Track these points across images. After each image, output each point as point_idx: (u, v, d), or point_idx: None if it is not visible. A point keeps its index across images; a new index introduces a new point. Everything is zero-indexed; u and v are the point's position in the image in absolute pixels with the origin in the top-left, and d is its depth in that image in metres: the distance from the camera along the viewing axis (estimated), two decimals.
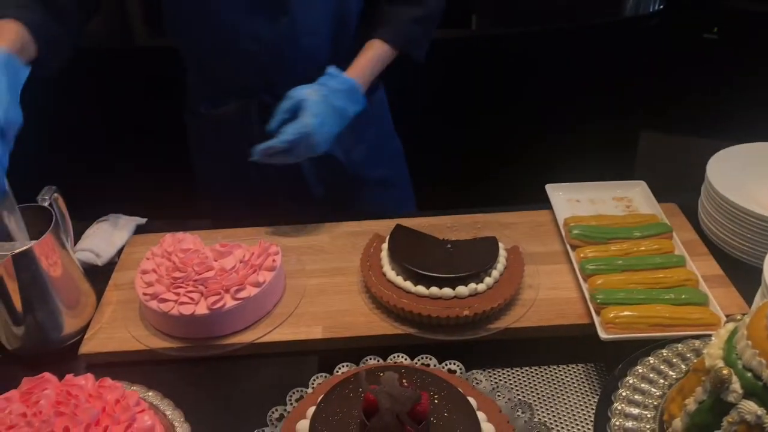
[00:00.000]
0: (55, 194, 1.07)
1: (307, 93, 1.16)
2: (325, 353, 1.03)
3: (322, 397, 0.80)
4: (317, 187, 1.41)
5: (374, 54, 1.27)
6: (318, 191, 1.41)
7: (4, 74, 0.99)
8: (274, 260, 1.09)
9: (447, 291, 1.02)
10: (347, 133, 1.34)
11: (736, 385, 0.67)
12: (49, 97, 2.11)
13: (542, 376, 0.98)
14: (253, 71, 1.26)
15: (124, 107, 1.92)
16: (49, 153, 1.94)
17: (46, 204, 1.05)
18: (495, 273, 1.06)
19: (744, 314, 0.75)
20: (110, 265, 1.22)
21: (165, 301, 1.02)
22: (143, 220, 1.32)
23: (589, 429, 0.89)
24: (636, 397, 0.83)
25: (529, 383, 0.97)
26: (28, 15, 1.08)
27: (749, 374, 0.67)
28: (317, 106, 1.15)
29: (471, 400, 0.80)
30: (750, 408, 0.65)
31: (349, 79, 1.22)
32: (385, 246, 1.12)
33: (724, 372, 0.68)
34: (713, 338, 0.74)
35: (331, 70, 1.21)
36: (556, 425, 0.90)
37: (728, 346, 0.71)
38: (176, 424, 0.85)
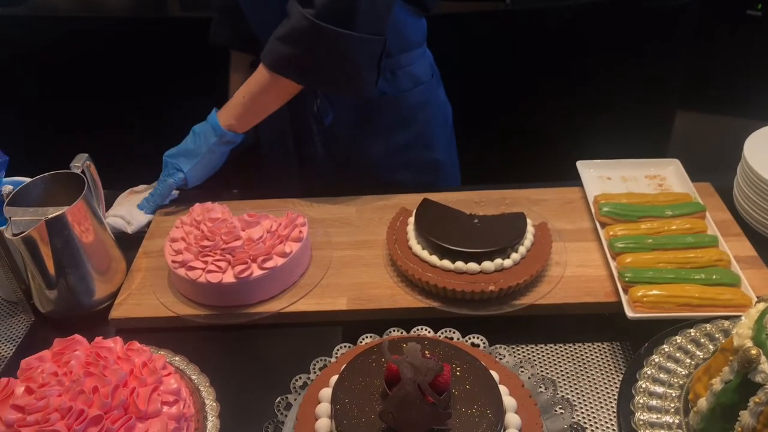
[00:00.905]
0: (88, 162, 1.09)
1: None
2: (349, 324, 1.03)
3: (345, 366, 0.81)
4: (330, 173, 1.43)
5: (249, 84, 1.23)
6: (330, 176, 1.42)
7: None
8: (300, 231, 1.09)
9: (473, 266, 1.02)
10: (363, 129, 1.35)
11: (764, 365, 0.66)
12: (83, 67, 2.15)
13: (567, 353, 0.97)
14: None
15: (156, 77, 1.94)
16: (83, 121, 1.97)
17: (78, 171, 1.07)
18: (522, 249, 1.05)
19: None
20: (140, 233, 1.24)
21: (193, 269, 1.03)
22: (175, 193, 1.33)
23: (612, 406, 0.89)
24: (661, 375, 0.82)
25: (553, 360, 0.96)
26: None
27: None
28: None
29: (493, 373, 0.80)
30: None
31: (212, 123, 1.25)
32: (411, 220, 1.12)
33: (753, 352, 0.67)
34: (743, 318, 0.73)
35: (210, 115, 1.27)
36: (580, 402, 0.90)
37: (758, 326, 0.70)
38: (201, 388, 0.87)
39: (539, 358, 0.97)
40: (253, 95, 1.22)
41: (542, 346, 0.99)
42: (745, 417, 0.67)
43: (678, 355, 0.85)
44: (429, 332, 0.94)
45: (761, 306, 0.73)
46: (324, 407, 0.78)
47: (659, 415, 0.78)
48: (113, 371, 0.76)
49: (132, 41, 2.06)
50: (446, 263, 1.03)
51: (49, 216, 0.97)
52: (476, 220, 1.09)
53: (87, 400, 0.73)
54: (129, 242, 1.20)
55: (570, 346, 0.98)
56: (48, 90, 2.13)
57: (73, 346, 0.81)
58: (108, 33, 2.13)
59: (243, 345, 1.03)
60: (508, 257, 1.03)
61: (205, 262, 1.04)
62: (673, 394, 0.80)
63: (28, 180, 1.07)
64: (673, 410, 0.79)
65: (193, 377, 0.88)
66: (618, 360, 0.96)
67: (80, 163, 1.08)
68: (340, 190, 1.31)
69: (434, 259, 1.04)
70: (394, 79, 1.33)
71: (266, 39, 1.19)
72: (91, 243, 1.05)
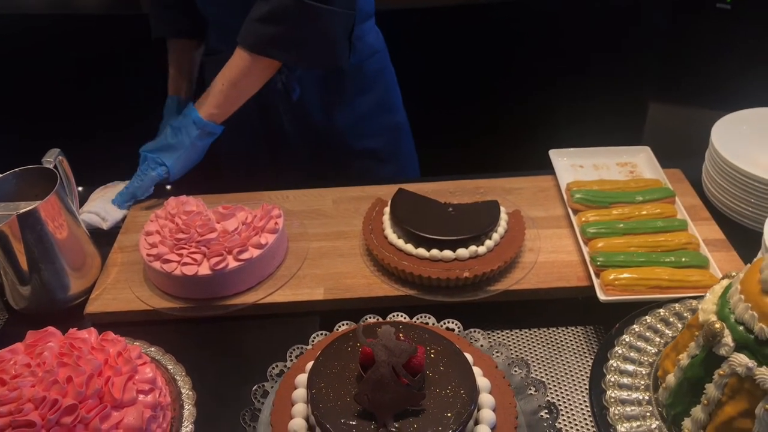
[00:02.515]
0: (60, 157, 1.08)
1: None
2: (326, 314, 1.04)
3: (320, 351, 0.82)
4: (301, 149, 1.44)
5: (227, 71, 1.22)
6: (302, 152, 1.43)
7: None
8: (276, 223, 1.10)
9: (447, 253, 1.03)
10: (330, 99, 1.37)
11: (727, 338, 0.68)
12: (57, 63, 2.13)
13: (541, 337, 0.99)
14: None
15: (130, 74, 1.93)
16: (56, 117, 1.95)
17: (50, 166, 1.06)
18: (496, 236, 1.06)
19: None
20: (115, 229, 1.23)
21: (168, 261, 1.03)
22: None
23: (585, 386, 0.90)
24: (632, 354, 0.84)
25: (528, 343, 0.98)
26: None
27: (741, 328, 0.68)
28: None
29: (467, 355, 0.81)
30: (741, 360, 0.66)
31: (193, 116, 1.24)
32: (387, 209, 1.13)
33: (717, 325, 0.68)
34: (708, 294, 0.75)
35: (187, 110, 1.26)
36: (553, 383, 0.91)
37: (722, 301, 0.72)
38: (178, 377, 0.87)
39: (513, 342, 0.98)
40: (233, 81, 1.22)
41: (516, 330, 1.00)
42: (711, 389, 0.69)
43: (648, 334, 0.86)
44: (405, 318, 0.94)
45: (725, 282, 0.75)
46: (300, 393, 0.78)
47: (630, 393, 0.80)
48: (87, 361, 0.76)
49: (104, 38, 2.05)
50: (421, 251, 1.04)
51: (21, 211, 0.97)
52: (451, 209, 1.10)
53: (61, 390, 0.72)
54: (104, 237, 1.20)
55: (544, 331, 1.00)
56: (19, 86, 2.12)
57: (47, 338, 0.81)
58: (80, 30, 2.12)
59: (220, 336, 1.03)
60: (483, 244, 1.04)
61: (180, 255, 1.03)
62: (643, 372, 0.82)
63: None
64: (643, 387, 0.80)
65: (170, 367, 0.88)
66: (591, 343, 0.97)
67: (52, 158, 1.07)
68: (315, 181, 1.31)
69: (410, 247, 1.05)
70: (354, 50, 1.36)
71: (221, 22, 1.22)
72: (64, 238, 1.04)
